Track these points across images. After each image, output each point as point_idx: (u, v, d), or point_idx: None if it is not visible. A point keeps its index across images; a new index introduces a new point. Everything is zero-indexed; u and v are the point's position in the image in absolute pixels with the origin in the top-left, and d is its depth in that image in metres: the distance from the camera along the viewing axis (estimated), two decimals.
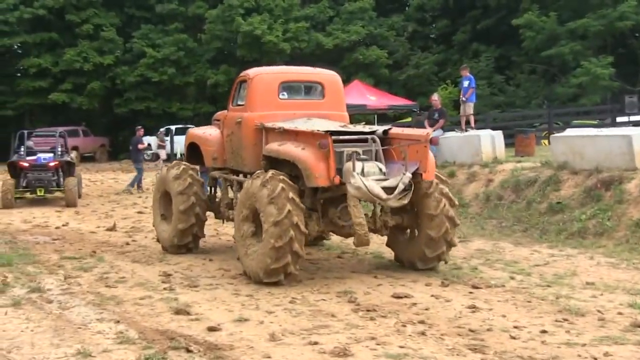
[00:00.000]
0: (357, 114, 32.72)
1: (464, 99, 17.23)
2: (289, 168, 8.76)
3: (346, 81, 36.59)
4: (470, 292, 7.91)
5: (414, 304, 7.34)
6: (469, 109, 17.09)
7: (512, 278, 8.69)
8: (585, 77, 29.17)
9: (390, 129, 9.04)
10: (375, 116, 30.68)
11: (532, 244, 11.14)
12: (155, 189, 11.38)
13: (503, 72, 34.60)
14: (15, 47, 43.25)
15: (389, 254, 10.03)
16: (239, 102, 10.23)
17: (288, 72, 10.80)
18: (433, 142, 8.84)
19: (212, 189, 11.41)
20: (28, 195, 18.74)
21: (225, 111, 10.75)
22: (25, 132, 20.75)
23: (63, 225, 14.42)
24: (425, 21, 41.77)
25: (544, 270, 9.18)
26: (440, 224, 8.87)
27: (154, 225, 11.47)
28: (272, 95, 9.83)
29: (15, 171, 19.03)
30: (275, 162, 9.06)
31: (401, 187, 8.23)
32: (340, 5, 41.52)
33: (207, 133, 11.03)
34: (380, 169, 8.41)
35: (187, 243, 10.70)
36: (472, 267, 9.42)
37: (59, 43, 41.48)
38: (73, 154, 21.52)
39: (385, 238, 9.85)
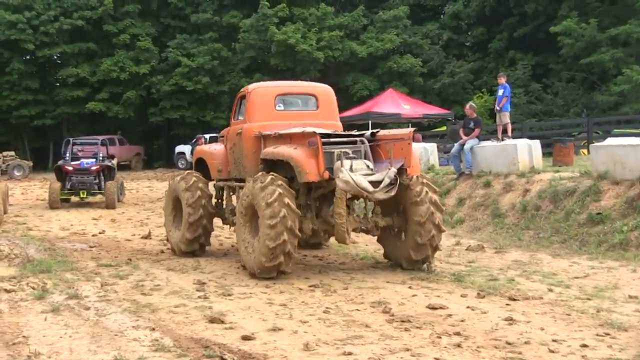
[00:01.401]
0: (391, 122, 32.72)
1: (498, 108, 17.10)
2: (285, 170, 9.49)
3: (380, 90, 36.91)
4: (507, 304, 7.81)
5: (450, 315, 7.28)
6: (504, 117, 16.93)
7: (551, 290, 8.57)
8: (626, 85, 28.72)
9: (377, 131, 9.84)
10: (410, 125, 30.56)
11: (571, 256, 10.98)
12: (168, 195, 12.04)
13: (540, 80, 34.25)
14: (55, 57, 44.15)
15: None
16: (239, 117, 11.06)
17: (283, 85, 11.55)
18: (416, 139, 9.41)
19: (218, 198, 12.03)
20: (72, 197, 20.60)
21: (229, 127, 11.55)
22: (71, 139, 22.74)
23: (100, 233, 14.63)
24: (461, 29, 41.60)
25: (583, 282, 9.04)
26: (427, 230, 9.53)
27: (166, 229, 12.10)
28: (269, 107, 10.65)
29: (61, 175, 20.73)
30: (272, 165, 9.85)
31: (387, 181, 8.93)
32: (375, 13, 41.57)
33: (213, 148, 11.95)
34: (368, 166, 9.18)
35: (193, 250, 11.40)
36: (509, 279, 9.31)
37: (97, 53, 42.26)
38: (114, 160, 22.89)
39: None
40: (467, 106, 17.00)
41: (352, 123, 28.26)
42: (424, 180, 9.77)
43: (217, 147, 11.79)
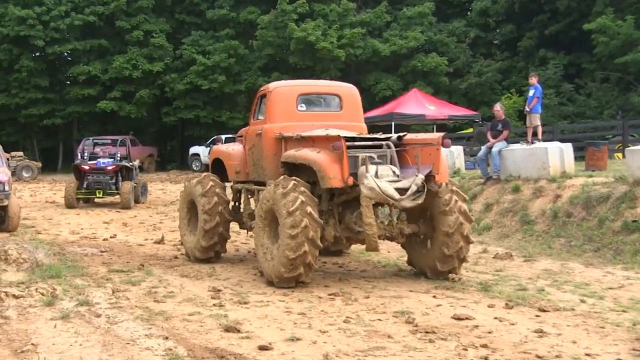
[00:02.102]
0: (415, 124, 32.72)
1: (527, 109, 17.02)
2: (307, 174, 9.47)
3: (404, 90, 36.87)
4: (537, 316, 7.77)
5: (476, 327, 7.25)
6: (534, 119, 16.85)
7: (583, 301, 8.51)
8: None
9: (404, 135, 9.76)
10: (435, 126, 30.52)
11: (605, 265, 10.89)
12: (183, 198, 12.09)
13: (572, 80, 34.00)
14: (65, 54, 44.55)
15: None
16: (259, 117, 11.04)
17: (306, 85, 11.49)
18: (445, 144, 9.31)
19: (236, 201, 12.08)
20: (88, 196, 21.45)
21: (248, 127, 11.54)
22: (91, 138, 24.06)
23: (111, 237, 14.74)
24: (489, 26, 41.45)
25: (618, 293, 8.96)
26: (455, 242, 9.52)
27: (180, 233, 12.22)
28: (290, 107, 10.65)
29: (80, 174, 21.56)
30: (293, 168, 9.79)
31: (414, 188, 8.90)
32: (398, 10, 41.57)
33: (230, 148, 11.96)
34: (394, 172, 9.12)
35: (208, 257, 11.44)
36: (539, 289, 9.26)
37: (109, 50, 42.60)
38: (137, 162, 23.81)
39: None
40: (495, 107, 16.94)
41: (374, 124, 28.24)
42: (453, 188, 9.72)
43: (235, 148, 11.81)
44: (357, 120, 10.99)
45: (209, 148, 32.19)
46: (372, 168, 8.97)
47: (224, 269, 10.82)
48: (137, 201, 22.18)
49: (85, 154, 22.25)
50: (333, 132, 9.83)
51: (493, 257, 11.80)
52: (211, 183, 11.33)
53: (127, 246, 13.55)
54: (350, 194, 9.38)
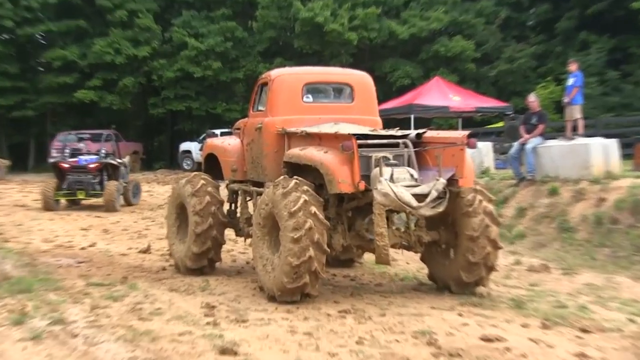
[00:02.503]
0: (438, 117, 32.69)
1: (566, 100, 16.97)
2: (313, 176, 9.45)
3: (424, 78, 36.85)
4: (578, 337, 7.73)
5: (508, 349, 7.21)
6: (575, 112, 16.80)
7: (632, 321, 8.47)
8: None
9: (424, 132, 9.70)
10: (460, 120, 30.51)
11: None
12: (171, 201, 12.07)
13: (618, 67, 33.93)
14: (38, 37, 44.60)
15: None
16: (260, 108, 11.08)
17: (313, 72, 11.51)
18: (471, 145, 9.22)
19: (232, 204, 12.10)
20: (69, 197, 21.66)
21: (246, 119, 11.55)
22: (73, 133, 24.45)
23: (89, 246, 14.75)
24: (522, 6, 41.41)
25: None
26: (481, 247, 9.46)
27: (168, 242, 12.17)
28: (295, 98, 10.67)
29: (59, 173, 21.76)
30: (297, 169, 9.76)
31: (434, 194, 8.85)
32: None
33: (226, 143, 11.90)
34: (412, 175, 9.09)
35: (201, 267, 11.43)
36: (580, 306, 9.22)
37: (88, 32, 42.70)
38: (126, 159, 23.95)
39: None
40: (530, 98, 16.90)
41: (391, 117, 28.19)
42: (477, 187, 9.70)
43: (232, 142, 11.82)
44: (370, 113, 11.00)
45: (201, 144, 32.25)
46: (386, 170, 8.94)
47: (219, 283, 10.81)
48: (128, 203, 22.44)
49: (66, 151, 22.47)
50: (343, 128, 9.81)
51: (527, 270, 11.77)
52: (202, 182, 11.36)
53: (107, 256, 13.56)
54: (362, 199, 9.38)
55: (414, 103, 27.51)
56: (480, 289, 9.82)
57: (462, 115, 29.60)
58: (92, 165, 21.56)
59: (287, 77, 10.88)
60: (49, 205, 20.90)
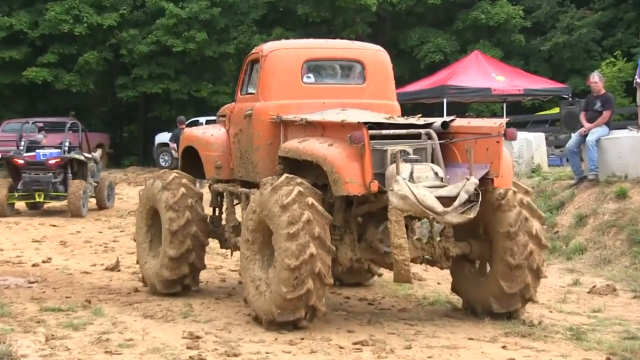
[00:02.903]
0: (477, 102, 32.71)
1: (639, 80, 16.96)
2: (314, 174, 9.62)
3: (460, 53, 36.78)
4: None
5: None
6: None
7: None
8: None
9: (452, 120, 9.76)
10: (504, 105, 30.49)
11: None
12: (140, 209, 12.18)
13: None
14: None
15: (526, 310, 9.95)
16: (250, 90, 11.14)
17: (316, 46, 11.55)
18: (509, 136, 9.29)
19: (216, 208, 12.18)
20: (26, 200, 21.79)
21: (233, 104, 11.66)
22: (31, 121, 24.34)
23: (44, 262, 14.73)
24: None
25: None
26: (522, 245, 9.51)
27: (139, 263, 12.20)
28: (293, 78, 10.70)
29: (15, 171, 21.79)
30: (295, 166, 9.89)
31: (464, 196, 8.84)
32: None
33: (209, 134, 11.92)
34: (437, 174, 9.13)
35: (181, 277, 11.38)
36: None
37: None
38: (97, 153, 24.19)
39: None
40: (592, 78, 16.88)
41: (419, 102, 28.26)
42: (521, 198, 9.70)
43: (216, 132, 11.85)
44: (386, 97, 11.07)
45: (172, 135, 32.10)
46: (405, 167, 8.96)
47: (204, 307, 10.82)
48: (101, 207, 22.62)
49: (22, 143, 22.47)
50: (352, 115, 9.85)
51: (588, 292, 11.77)
52: (174, 174, 11.47)
53: (66, 274, 13.57)
54: (375, 203, 9.42)
55: (447, 84, 27.55)
56: (530, 315, 9.83)
57: (508, 99, 29.61)
58: (52, 161, 21.56)
59: (283, 53, 10.93)
60: (1, 211, 20.87)
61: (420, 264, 10.22)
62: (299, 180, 9.20)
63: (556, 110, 29.32)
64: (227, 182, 11.59)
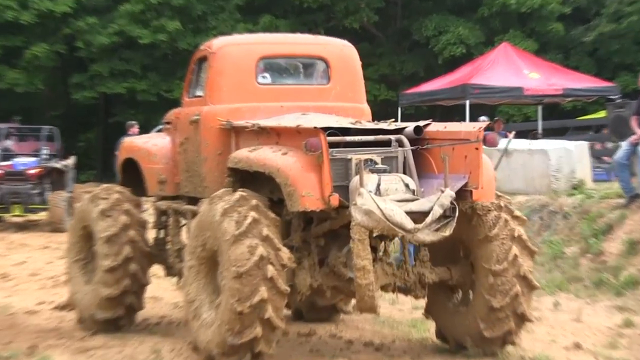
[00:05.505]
0: (507, 104, 32.67)
1: None
2: (269, 188, 9.88)
3: (486, 45, 36.79)
4: None
5: None
6: None
7: None
8: None
9: (427, 125, 10.03)
10: (540, 108, 30.45)
11: None
12: (73, 228, 12.49)
13: None
14: None
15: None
16: (197, 93, 11.48)
17: (272, 42, 12.24)
18: (489, 142, 9.61)
19: (160, 229, 12.43)
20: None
21: (179, 108, 12.03)
22: (5, 126, 25.20)
23: None
24: None
25: None
26: (507, 286, 9.65)
27: (69, 289, 12.51)
28: (246, 78, 11.04)
29: None
30: (246, 179, 10.17)
31: (438, 211, 8.98)
32: None
33: (151, 143, 12.32)
34: (408, 185, 9.33)
35: (115, 318, 11.65)
36: None
37: None
38: (70, 160, 24.65)
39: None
40: None
41: (436, 105, 28.26)
42: (513, 230, 9.84)
43: (160, 142, 12.18)
44: (354, 99, 11.34)
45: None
46: (371, 179, 9.10)
47: (175, 354, 10.77)
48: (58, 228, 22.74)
49: None
50: (311, 119, 10.00)
51: None
52: (116, 195, 11.70)
53: (7, 315, 13.54)
54: (337, 220, 9.58)
55: (471, 83, 27.45)
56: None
57: (543, 100, 29.51)
58: (32, 171, 22.41)
59: (234, 49, 11.24)
60: None
61: (393, 292, 10.31)
62: (254, 202, 9.35)
63: (602, 114, 29.39)
64: (172, 198, 11.82)
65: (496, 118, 27.82)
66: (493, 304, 9.62)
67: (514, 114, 35.92)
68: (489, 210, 9.75)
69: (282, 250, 9.18)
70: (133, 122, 26.18)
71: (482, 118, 23.81)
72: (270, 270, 8.97)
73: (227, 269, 9.11)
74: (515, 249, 9.66)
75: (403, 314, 11.57)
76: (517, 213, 10.07)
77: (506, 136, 21.71)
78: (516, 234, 9.75)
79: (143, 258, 11.59)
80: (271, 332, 9.21)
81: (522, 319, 9.85)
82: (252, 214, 9.12)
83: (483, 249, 9.73)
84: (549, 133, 28.68)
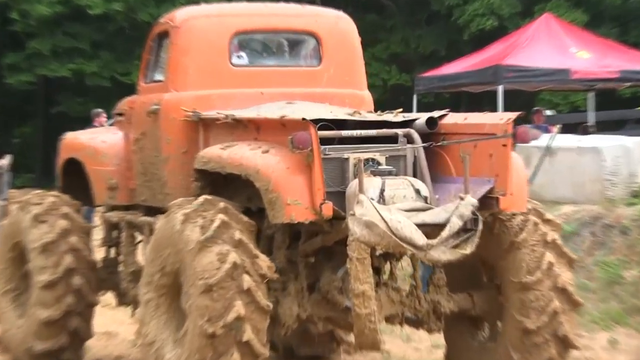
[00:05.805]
0: (550, 90, 32.75)
1: None
2: (246, 195, 9.91)
3: (523, 17, 36.91)
4: None
5: None
6: None
7: None
8: None
9: (442, 116, 10.04)
10: (590, 96, 30.54)
11: None
12: (2, 243, 12.57)
13: None
14: None
15: None
16: (157, 77, 11.51)
17: (250, 13, 11.84)
18: (520, 137, 9.37)
19: (110, 247, 12.55)
20: None
21: (134, 96, 12.12)
22: None
23: None
24: None
25: None
26: (542, 302, 9.57)
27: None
28: (218, 58, 11.12)
29: None
30: (218, 184, 10.06)
31: (456, 223, 8.83)
32: None
33: (99, 140, 12.36)
34: (419, 191, 9.27)
35: (57, 349, 11.61)
36: None
37: None
38: (4, 161, 25.15)
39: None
40: None
41: (461, 91, 28.33)
42: (545, 233, 9.78)
43: (109, 138, 12.27)
44: (351, 84, 11.38)
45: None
46: (374, 183, 9.05)
47: None
48: None
49: None
50: (299, 110, 10.02)
51: None
52: (52, 199, 11.79)
53: None
54: (330, 235, 9.50)
55: (504, 64, 27.54)
56: None
57: (596, 86, 29.62)
58: None
59: (202, 22, 11.21)
60: None
61: (400, 324, 10.24)
62: (222, 205, 9.24)
63: None
64: (125, 208, 11.82)
65: (536, 108, 27.91)
66: (527, 325, 9.50)
67: (558, 103, 36.05)
68: (514, 213, 9.64)
69: (259, 257, 9.07)
70: (99, 109, 26.11)
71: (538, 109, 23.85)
72: (247, 280, 8.84)
73: (192, 285, 8.98)
74: (549, 256, 9.58)
75: (420, 354, 11.59)
76: (549, 216, 9.97)
77: (548, 131, 21.70)
78: (549, 238, 9.68)
79: (89, 270, 11.60)
80: (252, 358, 9.02)
81: (564, 343, 9.70)
82: (220, 216, 9.03)
83: (509, 260, 9.65)
84: (603, 127, 28.76)
